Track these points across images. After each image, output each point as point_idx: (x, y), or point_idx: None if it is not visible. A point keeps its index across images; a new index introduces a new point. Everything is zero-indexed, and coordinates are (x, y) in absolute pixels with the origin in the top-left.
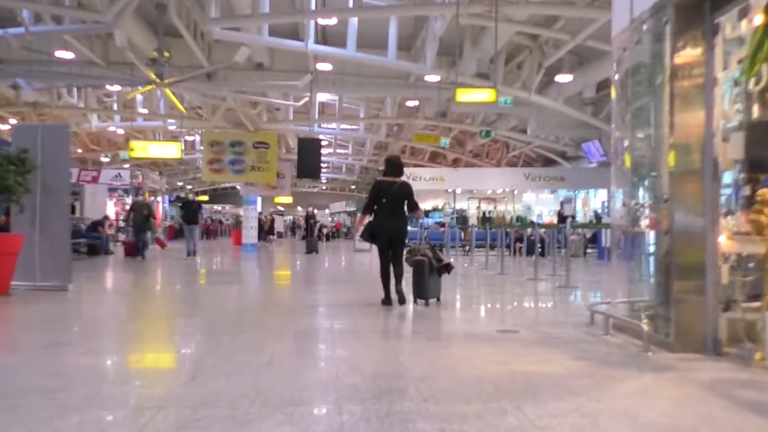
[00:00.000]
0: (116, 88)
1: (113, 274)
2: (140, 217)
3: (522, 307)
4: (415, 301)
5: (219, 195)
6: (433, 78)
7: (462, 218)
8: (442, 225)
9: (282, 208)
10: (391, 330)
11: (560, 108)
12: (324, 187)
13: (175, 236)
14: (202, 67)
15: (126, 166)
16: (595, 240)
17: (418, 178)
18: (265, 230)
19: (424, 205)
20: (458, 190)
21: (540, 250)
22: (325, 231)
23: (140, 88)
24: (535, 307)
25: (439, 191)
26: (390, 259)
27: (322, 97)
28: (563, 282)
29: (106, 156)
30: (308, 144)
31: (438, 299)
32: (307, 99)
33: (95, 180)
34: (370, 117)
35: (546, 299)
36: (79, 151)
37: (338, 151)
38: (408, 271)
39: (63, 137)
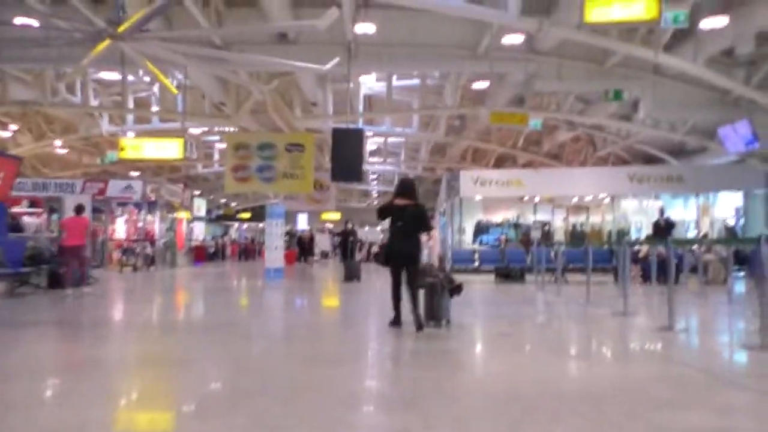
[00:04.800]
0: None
1: None
2: None
3: None
4: (427, 324)
5: (264, 211)
6: (514, 39)
7: (547, 233)
8: (526, 242)
9: (331, 226)
10: None
11: (699, 73)
12: (376, 202)
13: (208, 258)
14: (211, 41)
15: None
16: (742, 261)
17: (486, 182)
18: (306, 249)
19: (494, 218)
20: (536, 198)
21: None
22: (374, 250)
23: (93, 48)
24: None
25: (511, 200)
26: (403, 281)
27: (366, 82)
28: None
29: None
30: (346, 136)
31: (448, 321)
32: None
33: (102, 193)
34: (426, 108)
35: None
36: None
37: (389, 160)
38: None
39: None
